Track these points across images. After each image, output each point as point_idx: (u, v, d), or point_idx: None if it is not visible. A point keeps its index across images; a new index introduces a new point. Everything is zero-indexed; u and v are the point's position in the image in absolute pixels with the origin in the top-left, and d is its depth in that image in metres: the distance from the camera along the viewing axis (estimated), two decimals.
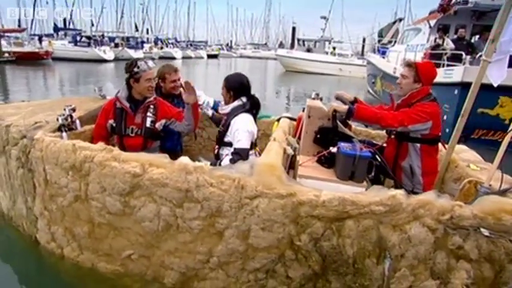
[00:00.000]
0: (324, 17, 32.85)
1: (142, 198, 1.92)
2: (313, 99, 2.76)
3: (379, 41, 16.89)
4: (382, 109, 2.75)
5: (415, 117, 2.33)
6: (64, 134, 2.17)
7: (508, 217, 1.86)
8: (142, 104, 2.40)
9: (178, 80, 2.78)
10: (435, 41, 8.52)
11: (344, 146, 2.11)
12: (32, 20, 30.92)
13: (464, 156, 2.95)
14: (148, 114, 2.41)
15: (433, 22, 9.66)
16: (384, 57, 13.50)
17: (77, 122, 2.32)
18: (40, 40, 26.25)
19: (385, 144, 2.77)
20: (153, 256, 2.02)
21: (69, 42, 27.42)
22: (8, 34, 24.39)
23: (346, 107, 2.38)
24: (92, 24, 33.12)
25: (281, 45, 45.68)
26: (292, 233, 1.87)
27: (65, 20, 33.00)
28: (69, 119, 2.25)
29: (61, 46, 25.64)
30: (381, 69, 11.99)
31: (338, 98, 2.62)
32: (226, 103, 2.45)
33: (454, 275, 1.95)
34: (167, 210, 1.91)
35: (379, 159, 2.22)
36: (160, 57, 34.62)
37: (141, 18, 43.30)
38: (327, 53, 28.37)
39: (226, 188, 1.87)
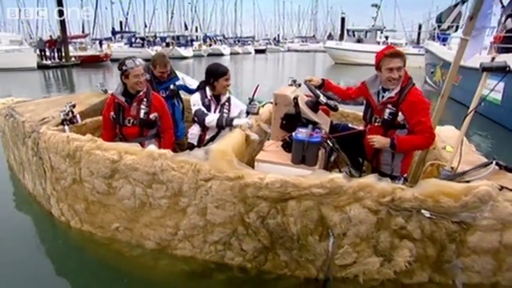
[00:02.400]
0: (376, 5, 30.98)
1: (120, 181, 2.30)
2: (290, 85, 2.92)
3: (438, 27, 15.49)
4: (348, 91, 2.84)
5: (431, 123, 2.42)
6: (66, 127, 2.64)
7: (446, 199, 1.93)
8: (135, 97, 2.78)
9: (167, 71, 3.19)
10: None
11: (300, 131, 2.28)
12: (94, 25, 34.01)
13: (448, 135, 2.93)
14: (142, 106, 2.78)
15: (507, 1, 8.42)
16: (444, 45, 12.61)
17: (77, 116, 2.78)
18: (100, 44, 28.82)
19: (361, 127, 2.83)
20: (135, 228, 2.40)
21: (125, 44, 29.68)
22: (74, 40, 26.91)
23: (388, 140, 2.43)
24: (145, 26, 35.43)
25: (330, 37, 44.58)
26: (242, 211, 2.12)
27: (121, 23, 35.74)
28: (71, 114, 2.71)
29: (118, 48, 27.80)
30: (441, 58, 11.27)
31: (307, 84, 2.76)
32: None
33: (397, 253, 2.07)
34: (140, 190, 2.28)
35: (331, 144, 2.35)
36: (209, 54, 35.94)
37: (190, 17, 45.03)
38: (378, 43, 26.91)
39: (185, 171, 2.17)
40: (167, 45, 32.17)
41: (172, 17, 39.92)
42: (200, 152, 2.22)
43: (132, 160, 2.24)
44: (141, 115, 2.75)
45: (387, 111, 2.46)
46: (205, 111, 2.81)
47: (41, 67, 19.65)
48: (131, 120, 2.76)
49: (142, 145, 2.69)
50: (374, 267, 2.10)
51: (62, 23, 21.44)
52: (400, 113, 2.41)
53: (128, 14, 38.10)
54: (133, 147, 2.31)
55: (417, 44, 28.35)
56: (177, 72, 3.36)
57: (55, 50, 21.78)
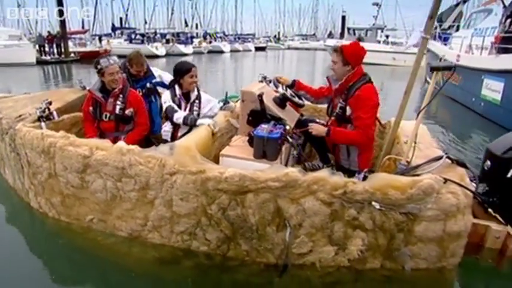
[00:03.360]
0: (376, 4, 30.82)
1: (92, 175, 2.43)
2: (260, 81, 3.03)
3: (439, 26, 15.34)
4: (321, 89, 2.95)
5: (371, 121, 2.55)
6: (42, 124, 2.77)
7: (394, 192, 2.05)
8: (111, 93, 2.88)
9: (142, 71, 3.31)
10: (510, 23, 7.62)
11: (260, 128, 2.41)
12: (94, 21, 34.07)
13: (410, 130, 3.03)
14: (118, 102, 2.90)
15: (508, 1, 8.48)
16: (445, 44, 12.60)
17: (54, 113, 2.91)
18: (100, 40, 28.89)
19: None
20: (108, 220, 2.54)
21: (125, 40, 29.69)
22: (74, 36, 26.96)
23: (324, 129, 2.62)
24: (145, 22, 35.46)
25: (330, 35, 44.45)
26: (204, 203, 2.25)
27: (121, 19, 35.80)
28: (47, 111, 2.84)
29: (117, 44, 27.82)
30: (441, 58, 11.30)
31: (277, 82, 2.88)
32: None
33: (351, 242, 2.19)
34: (111, 184, 2.41)
35: (290, 140, 2.46)
36: (209, 51, 35.90)
37: (190, 13, 44.99)
38: (379, 41, 26.60)
39: (152, 166, 2.30)
40: (167, 42, 32.18)
41: (172, 14, 40.00)
42: (165, 147, 2.34)
43: (102, 155, 2.37)
44: (117, 110, 2.88)
45: (339, 105, 2.58)
46: (176, 108, 2.92)
47: (40, 63, 19.78)
48: (108, 115, 2.89)
49: (119, 139, 2.83)
50: (329, 256, 2.23)
51: (62, 20, 21.55)
52: (348, 108, 2.53)
53: (128, 10, 38.16)
54: (104, 143, 2.44)
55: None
56: (154, 70, 3.47)
57: (54, 45, 21.92)
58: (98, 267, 2.46)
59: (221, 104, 3.16)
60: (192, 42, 35.16)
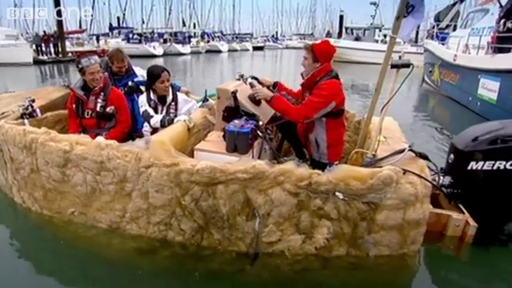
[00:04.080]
0: (374, 3, 30.64)
1: (73, 169, 2.54)
2: (238, 79, 3.13)
3: (437, 25, 15.49)
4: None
5: (317, 106, 2.58)
6: (26, 121, 2.88)
7: (355, 182, 2.16)
8: (92, 91, 2.99)
9: (124, 66, 3.40)
10: (504, 23, 7.66)
11: (232, 123, 2.52)
12: (91, 21, 34.11)
13: (385, 126, 3.13)
14: (99, 100, 3.02)
15: (504, 1, 8.45)
16: (443, 44, 12.62)
17: (37, 110, 3.02)
18: (97, 39, 28.98)
19: None
20: (88, 213, 2.65)
21: (122, 40, 29.73)
22: (71, 35, 27.01)
23: (269, 94, 2.71)
24: (143, 22, 35.53)
25: (328, 35, 44.34)
26: (178, 194, 2.36)
27: (118, 18, 35.89)
28: (30, 108, 2.95)
29: (115, 44, 27.79)
30: (439, 57, 11.32)
31: (255, 82, 2.99)
32: None
33: (317, 230, 2.31)
34: (90, 178, 2.52)
35: (260, 134, 2.57)
36: (207, 51, 35.94)
37: (188, 13, 44.99)
38: (377, 41, 26.59)
39: (129, 159, 2.41)
40: (165, 41, 32.26)
41: (170, 13, 39.89)
42: (141, 142, 2.45)
43: (82, 150, 2.48)
44: (98, 108, 2.99)
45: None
46: (151, 112, 3.01)
47: (37, 62, 19.87)
48: (89, 113, 3.01)
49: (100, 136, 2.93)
50: (297, 244, 2.34)
51: (59, 20, 21.62)
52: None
53: (125, 9, 38.21)
54: (83, 139, 2.55)
55: (415, 42, 28.17)
56: (137, 69, 3.58)
57: (51, 45, 22.00)
58: (79, 259, 2.55)
59: (201, 103, 3.27)
60: (189, 42, 35.23)
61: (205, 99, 3.25)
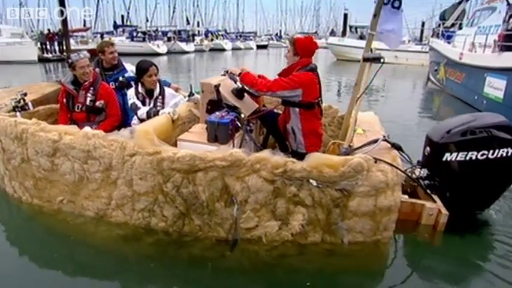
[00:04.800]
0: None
1: (61, 158, 2.65)
2: (223, 75, 3.23)
3: (442, 24, 15.37)
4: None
5: (283, 84, 2.68)
6: (18, 113, 3.01)
7: (328, 170, 2.25)
8: (82, 85, 3.11)
9: (115, 51, 3.54)
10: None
11: (214, 114, 2.62)
12: (96, 19, 34.45)
13: (364, 120, 3.23)
14: (88, 94, 3.14)
15: None
16: (449, 42, 12.51)
17: (29, 103, 3.15)
18: (102, 37, 29.18)
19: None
20: (76, 201, 2.76)
21: (126, 38, 29.89)
22: (76, 34, 27.25)
23: (238, 70, 2.89)
24: (147, 20, 35.75)
25: (332, 33, 44.32)
26: (160, 181, 2.46)
27: (122, 16, 36.15)
28: (22, 102, 3.08)
29: (119, 42, 27.97)
30: (444, 56, 11.25)
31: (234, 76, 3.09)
32: None
33: (293, 217, 2.40)
34: (78, 166, 2.63)
35: (240, 125, 2.67)
36: (211, 49, 36.04)
37: (192, 11, 45.20)
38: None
39: (114, 148, 2.51)
40: (168, 39, 32.42)
41: (174, 12, 40.24)
42: (126, 131, 2.56)
43: (70, 139, 2.59)
44: (87, 102, 3.11)
45: None
46: (139, 104, 3.16)
47: (41, 60, 20.14)
48: (80, 106, 3.12)
49: None
50: (273, 230, 2.43)
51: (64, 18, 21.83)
52: None
53: (129, 8, 38.49)
54: (72, 129, 2.66)
55: (420, 41, 27.99)
56: (127, 65, 3.69)
57: (56, 43, 22.27)
58: (67, 247, 2.61)
59: (187, 97, 3.40)
60: (193, 40, 35.38)
61: (191, 94, 3.36)
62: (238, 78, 2.82)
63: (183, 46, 31.84)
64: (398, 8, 2.77)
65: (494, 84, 7.43)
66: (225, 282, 2.27)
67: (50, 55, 21.50)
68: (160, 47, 29.07)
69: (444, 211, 2.51)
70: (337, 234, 2.41)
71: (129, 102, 3.19)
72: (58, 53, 22.11)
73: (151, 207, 2.55)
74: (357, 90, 3.00)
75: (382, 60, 2.44)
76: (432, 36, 17.49)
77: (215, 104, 2.84)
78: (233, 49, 39.62)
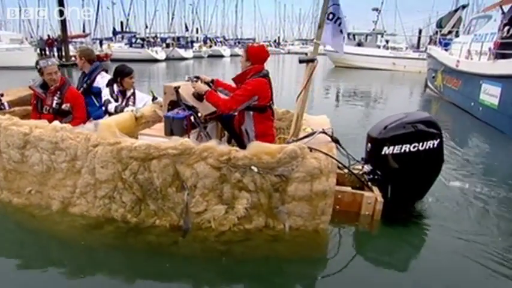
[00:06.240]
0: (376, 9, 30.67)
1: (31, 150, 2.89)
2: (187, 80, 3.49)
3: (439, 31, 15.79)
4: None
5: (240, 99, 2.95)
6: None
7: (266, 157, 2.49)
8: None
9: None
10: (508, 30, 7.74)
11: (172, 112, 2.89)
12: (95, 25, 35.00)
13: (315, 122, 3.47)
14: (55, 98, 3.42)
15: (507, 7, 8.52)
16: (446, 50, 12.79)
17: (5, 103, 3.43)
18: (101, 44, 29.71)
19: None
20: (44, 191, 2.96)
21: (125, 44, 30.36)
22: (75, 40, 27.67)
23: (205, 88, 3.09)
24: (146, 27, 36.29)
25: None
26: (120, 169, 2.69)
27: (122, 23, 36.73)
28: None
29: (118, 48, 28.45)
30: (442, 63, 11.51)
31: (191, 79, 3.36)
32: None
33: (238, 202, 2.62)
34: (46, 157, 2.86)
35: (194, 120, 2.93)
36: (210, 56, 36.45)
37: (191, 18, 45.84)
38: (379, 46, 26.80)
39: (79, 140, 2.76)
40: (167, 46, 32.83)
41: (173, 18, 40.71)
42: (91, 125, 2.82)
43: (39, 132, 2.84)
44: (54, 105, 3.40)
45: None
46: (111, 100, 3.52)
47: None
48: (47, 109, 3.41)
49: None
50: (221, 213, 2.65)
51: (63, 23, 22.20)
52: None
53: (129, 14, 39.07)
54: (42, 123, 2.92)
55: (417, 48, 28.31)
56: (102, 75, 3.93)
57: (55, 49, 22.68)
58: (33, 239, 2.74)
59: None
60: (192, 47, 35.83)
61: (154, 98, 3.71)
62: (194, 83, 3.13)
63: (182, 52, 32.27)
64: (335, 21, 3.07)
65: (489, 91, 7.55)
66: (180, 270, 2.44)
67: None
68: (159, 53, 29.43)
69: (380, 199, 2.74)
70: (279, 218, 2.63)
71: (103, 98, 3.55)
72: (57, 59, 22.44)
73: (112, 194, 2.78)
74: (306, 93, 3.23)
75: (315, 61, 2.71)
76: (430, 43, 17.77)
77: (176, 104, 3.10)
78: (231, 55, 40.06)
